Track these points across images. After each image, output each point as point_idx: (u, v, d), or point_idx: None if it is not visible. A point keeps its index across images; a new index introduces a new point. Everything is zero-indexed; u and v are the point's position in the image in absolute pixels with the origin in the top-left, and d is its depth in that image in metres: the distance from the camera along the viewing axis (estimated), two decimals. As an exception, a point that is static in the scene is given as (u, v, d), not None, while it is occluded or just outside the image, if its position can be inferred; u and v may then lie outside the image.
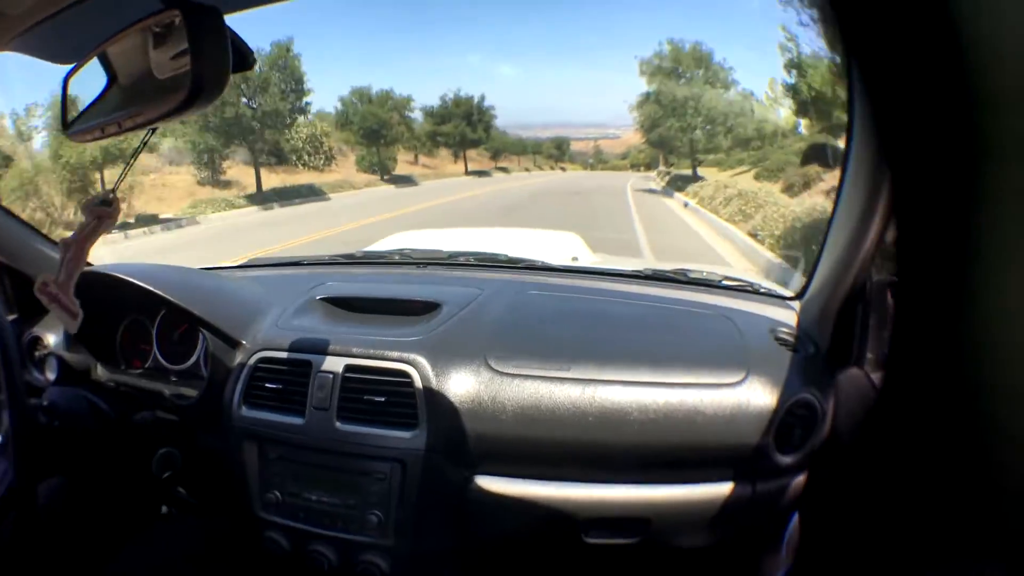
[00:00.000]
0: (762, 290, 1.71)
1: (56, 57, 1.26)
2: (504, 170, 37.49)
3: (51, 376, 1.53)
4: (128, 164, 1.15)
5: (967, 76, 0.34)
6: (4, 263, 1.84)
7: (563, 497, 1.30)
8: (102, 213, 1.07)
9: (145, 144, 1.11)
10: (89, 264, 1.63)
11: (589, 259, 2.50)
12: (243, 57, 0.98)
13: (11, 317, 1.84)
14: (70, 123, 1.10)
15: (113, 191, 1.08)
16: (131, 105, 0.98)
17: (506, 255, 1.93)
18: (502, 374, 1.31)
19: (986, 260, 0.37)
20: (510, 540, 1.41)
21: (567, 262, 2.00)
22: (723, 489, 1.29)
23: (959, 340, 0.40)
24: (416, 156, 30.65)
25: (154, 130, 1.01)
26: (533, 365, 1.31)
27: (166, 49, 0.91)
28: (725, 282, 1.72)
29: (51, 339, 1.78)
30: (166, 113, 0.90)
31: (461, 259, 1.92)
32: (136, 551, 1.41)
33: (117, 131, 1.00)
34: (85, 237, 1.08)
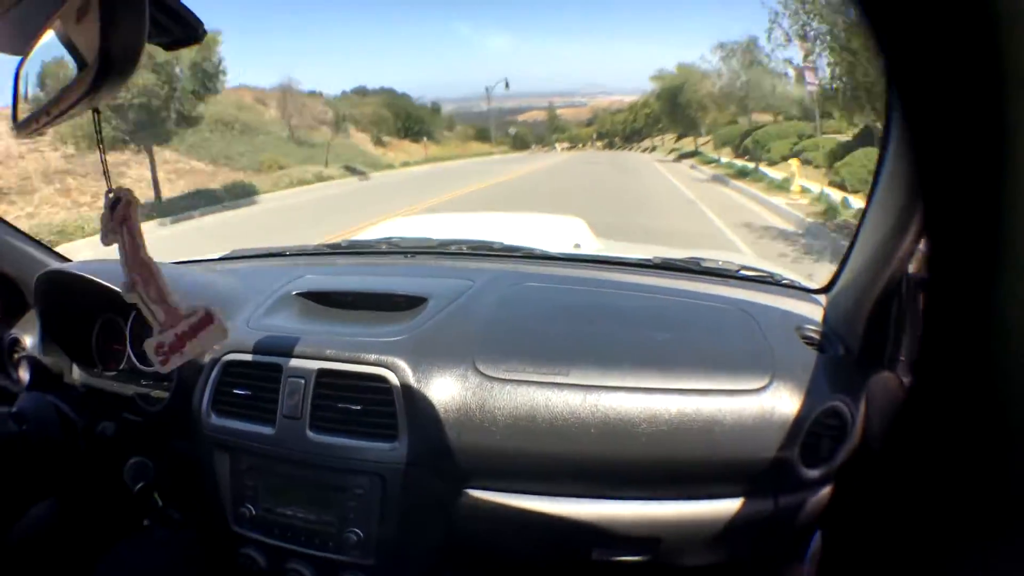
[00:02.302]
0: (784, 281, 1.56)
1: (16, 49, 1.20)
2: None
3: (25, 378, 1.44)
4: (102, 153, 1.01)
5: (1004, 72, 0.33)
6: None
7: (563, 514, 1.17)
8: (124, 214, 0.96)
9: (100, 131, 1.00)
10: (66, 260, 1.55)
11: (593, 245, 2.36)
12: (191, 29, 0.89)
13: None
14: (18, 120, 1.02)
15: (111, 189, 0.97)
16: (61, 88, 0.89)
17: (502, 243, 1.81)
18: (492, 379, 1.19)
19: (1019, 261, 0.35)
20: (505, 558, 1.31)
21: (569, 249, 1.88)
22: (741, 505, 1.15)
23: (991, 345, 0.37)
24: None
25: (98, 112, 0.92)
26: (527, 369, 1.18)
27: (86, 27, 0.80)
28: (743, 272, 1.57)
29: (28, 341, 1.70)
30: (83, 95, 0.81)
31: (453, 248, 1.80)
32: (111, 566, 1.33)
33: (48, 120, 0.93)
34: (134, 257, 0.98)
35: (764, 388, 1.13)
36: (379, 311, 1.42)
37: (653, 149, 37.94)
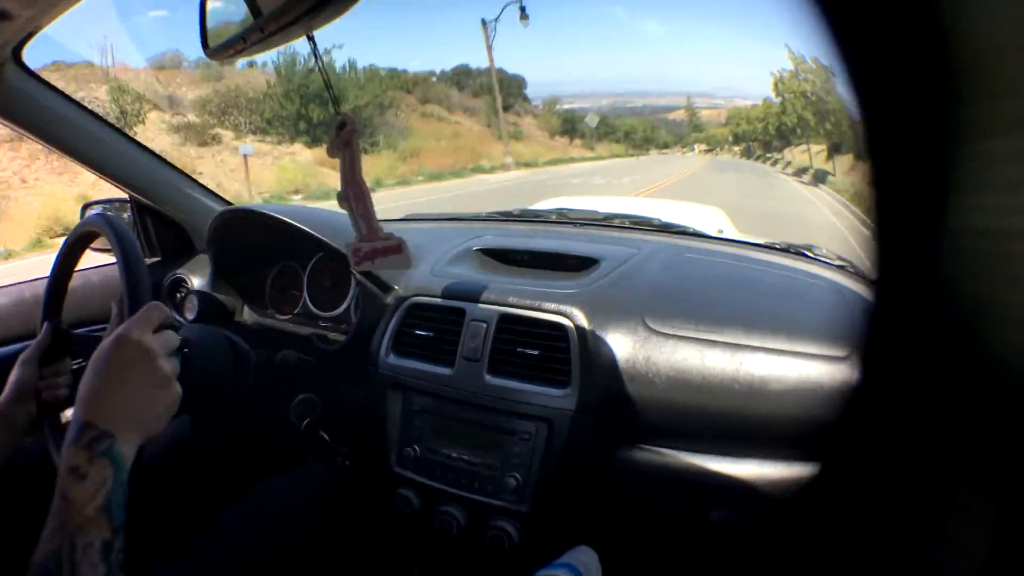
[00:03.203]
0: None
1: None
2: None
3: (190, 316, 1.51)
4: (330, 88, 1.11)
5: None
6: (150, 206, 1.87)
7: (698, 470, 1.20)
8: (347, 138, 1.07)
9: (318, 56, 1.05)
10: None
11: (732, 234, 2.50)
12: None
13: (154, 260, 1.87)
14: (208, 44, 1.10)
15: (339, 112, 1.07)
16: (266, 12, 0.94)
17: (660, 220, 1.88)
18: (658, 334, 1.22)
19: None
20: (641, 514, 1.34)
21: (714, 233, 1.94)
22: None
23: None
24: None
25: (312, 38, 0.97)
26: (688, 327, 1.22)
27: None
28: (842, 264, 1.59)
29: (195, 281, 1.80)
30: (300, 15, 0.87)
31: (616, 220, 1.87)
32: (260, 494, 1.38)
33: (244, 47, 1.00)
34: (351, 175, 1.10)
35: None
36: (553, 270, 1.48)
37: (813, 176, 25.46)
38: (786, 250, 1.65)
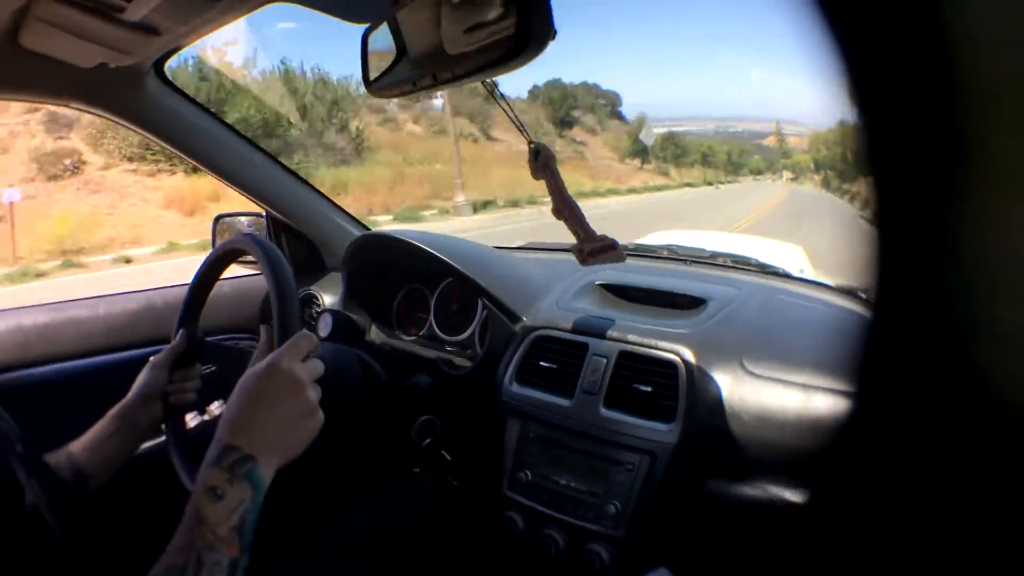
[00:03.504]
0: None
1: (350, 14, 1.33)
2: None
3: (323, 334, 1.58)
4: (512, 114, 1.18)
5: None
6: (285, 222, 1.96)
7: (780, 501, 1.24)
8: (545, 162, 1.19)
9: (501, 96, 1.14)
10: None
11: (810, 273, 2.45)
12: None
13: None
14: (371, 80, 1.14)
15: (531, 140, 1.19)
16: (428, 64, 1.00)
17: (757, 260, 1.92)
18: (752, 375, 1.29)
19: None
20: (721, 541, 1.36)
21: (795, 272, 1.97)
22: None
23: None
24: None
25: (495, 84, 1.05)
26: (774, 368, 1.28)
27: (459, 21, 0.90)
28: None
29: (326, 299, 1.90)
30: (478, 68, 0.89)
31: (720, 259, 1.92)
32: (369, 502, 1.42)
33: (411, 90, 1.04)
34: (559, 192, 1.22)
35: None
36: (664, 307, 1.54)
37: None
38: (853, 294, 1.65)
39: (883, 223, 0.37)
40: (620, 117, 43.08)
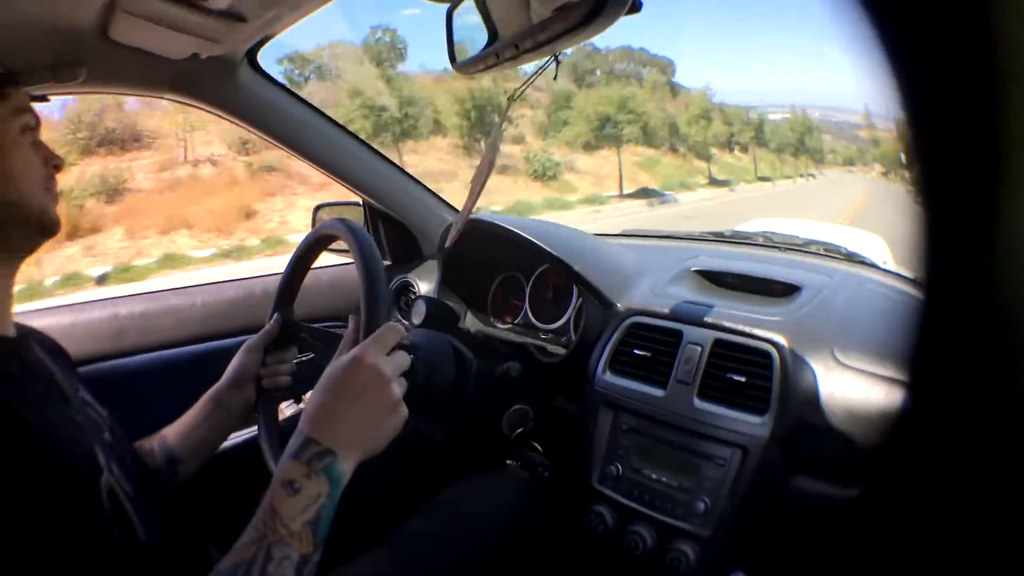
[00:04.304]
0: None
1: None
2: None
3: (416, 321, 1.57)
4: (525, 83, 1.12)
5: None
6: (382, 210, 1.96)
7: (855, 503, 1.14)
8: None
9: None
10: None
11: (892, 265, 2.38)
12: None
13: (386, 263, 1.96)
14: (455, 57, 1.14)
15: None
16: (506, 38, 0.98)
17: (847, 248, 1.88)
18: (844, 366, 1.23)
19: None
20: (804, 542, 1.28)
21: (880, 263, 1.90)
22: None
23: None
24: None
25: (557, 59, 0.98)
26: (863, 360, 1.22)
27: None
28: None
29: (422, 286, 1.91)
30: (556, 36, 0.86)
31: (813, 247, 1.88)
32: (457, 491, 1.39)
33: (496, 63, 1.01)
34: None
35: None
36: (759, 295, 1.50)
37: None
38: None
39: (933, 215, 0.36)
40: (676, 88, 41.53)
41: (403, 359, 0.95)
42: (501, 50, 0.98)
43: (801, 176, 41.81)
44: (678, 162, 34.97)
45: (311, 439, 0.83)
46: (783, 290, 1.47)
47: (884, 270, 1.72)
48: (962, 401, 0.38)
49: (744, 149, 41.40)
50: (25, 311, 1.65)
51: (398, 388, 0.91)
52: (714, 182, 34.20)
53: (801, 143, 46.57)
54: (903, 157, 0.35)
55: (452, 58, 1.15)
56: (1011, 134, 0.32)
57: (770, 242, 1.94)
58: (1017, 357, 0.35)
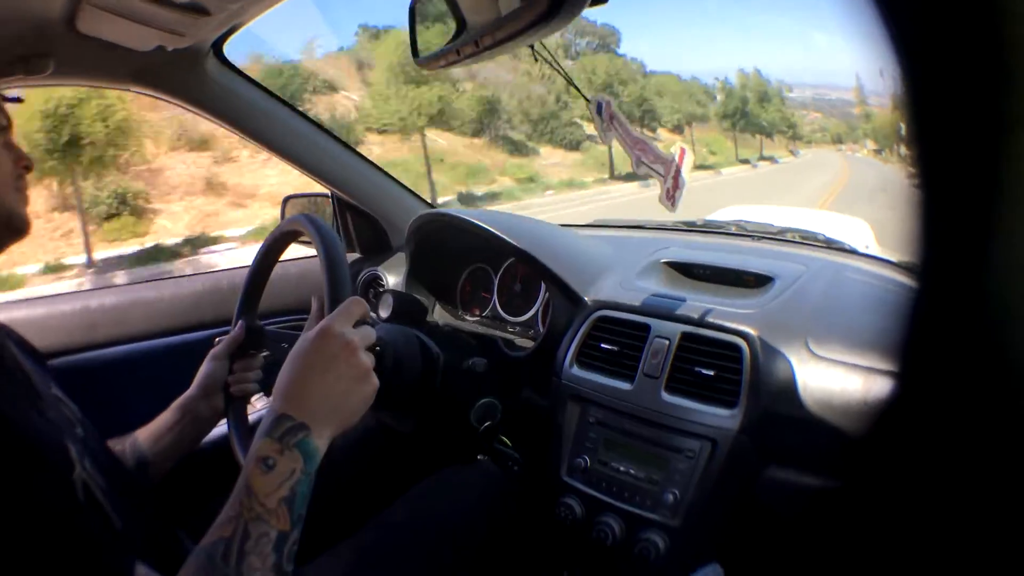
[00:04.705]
0: None
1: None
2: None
3: (384, 314, 1.57)
4: (566, 75, 1.21)
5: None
6: (350, 202, 1.96)
7: (833, 493, 1.15)
8: (609, 113, 1.16)
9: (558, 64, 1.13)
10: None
11: (875, 249, 2.39)
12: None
13: (352, 256, 1.96)
14: (418, 51, 1.15)
15: (587, 97, 1.16)
16: (473, 31, 0.99)
17: (824, 235, 1.87)
18: (818, 358, 1.23)
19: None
20: (776, 532, 1.30)
21: (861, 248, 1.89)
22: None
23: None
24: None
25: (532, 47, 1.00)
26: (839, 351, 1.22)
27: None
28: None
29: (389, 278, 1.89)
30: (514, 33, 0.87)
31: (788, 235, 1.87)
32: (429, 486, 1.39)
33: (456, 59, 1.03)
34: (631, 142, 1.18)
35: None
36: (730, 286, 1.49)
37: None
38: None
39: (929, 198, 0.36)
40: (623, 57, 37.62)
41: (369, 332, 0.94)
42: (461, 47, 0.98)
43: (761, 159, 40.10)
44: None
45: (283, 415, 0.82)
46: (755, 281, 1.47)
47: (865, 256, 1.71)
48: (953, 390, 0.38)
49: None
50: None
51: (366, 358, 0.91)
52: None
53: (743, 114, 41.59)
54: (902, 128, 0.35)
55: (415, 52, 1.15)
56: (1018, 114, 0.32)
57: (743, 231, 1.93)
58: (1013, 346, 0.35)
